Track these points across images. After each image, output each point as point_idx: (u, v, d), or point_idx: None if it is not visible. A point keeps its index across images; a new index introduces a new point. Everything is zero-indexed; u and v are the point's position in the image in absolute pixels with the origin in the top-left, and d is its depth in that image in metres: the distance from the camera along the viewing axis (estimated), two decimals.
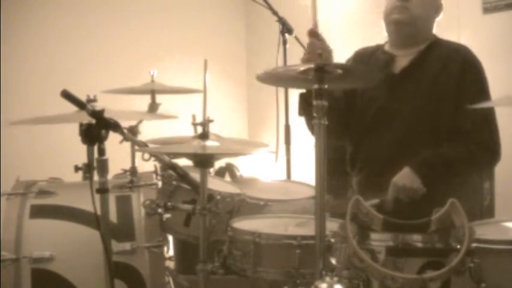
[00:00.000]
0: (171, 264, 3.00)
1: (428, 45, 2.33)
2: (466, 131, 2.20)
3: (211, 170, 2.91)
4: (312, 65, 1.77)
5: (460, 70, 2.24)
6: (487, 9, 3.12)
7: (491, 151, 2.23)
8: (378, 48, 2.44)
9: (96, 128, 1.80)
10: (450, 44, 2.37)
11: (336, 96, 2.29)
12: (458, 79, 2.23)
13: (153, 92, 2.95)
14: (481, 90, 2.24)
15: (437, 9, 2.35)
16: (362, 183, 2.38)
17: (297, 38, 3.19)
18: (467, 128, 2.20)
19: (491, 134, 2.23)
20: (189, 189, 2.16)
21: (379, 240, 1.58)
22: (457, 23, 3.15)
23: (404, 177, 2.15)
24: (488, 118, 2.22)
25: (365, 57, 2.43)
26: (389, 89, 2.30)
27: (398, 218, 1.63)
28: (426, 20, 2.33)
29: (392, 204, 2.14)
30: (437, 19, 2.37)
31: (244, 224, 2.06)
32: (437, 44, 2.35)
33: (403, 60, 2.34)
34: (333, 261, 1.64)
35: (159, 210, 2.23)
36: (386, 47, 2.41)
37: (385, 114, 2.31)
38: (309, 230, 1.85)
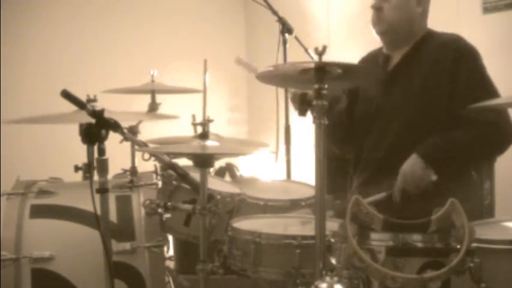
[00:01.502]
0: (171, 264, 3.00)
1: (419, 39, 2.31)
2: (473, 115, 2.10)
3: (211, 170, 2.91)
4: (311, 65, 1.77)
5: (453, 61, 2.21)
6: (487, 9, 3.11)
7: (503, 130, 2.15)
8: (379, 51, 2.44)
9: (96, 128, 1.80)
10: (442, 35, 2.33)
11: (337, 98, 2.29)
12: (452, 70, 2.20)
13: (153, 92, 2.96)
14: (480, 78, 2.20)
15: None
16: (363, 184, 2.38)
17: (297, 38, 3.19)
18: (472, 114, 2.09)
19: (499, 112, 2.14)
20: (189, 189, 2.17)
21: (379, 240, 1.58)
22: (457, 23, 3.14)
23: (413, 164, 2.12)
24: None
25: (369, 61, 2.45)
26: (384, 88, 2.30)
27: (398, 218, 1.63)
28: (409, 17, 2.28)
29: (400, 195, 2.12)
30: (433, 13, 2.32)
31: (244, 224, 2.06)
32: (429, 37, 2.32)
33: (396, 59, 2.34)
34: (333, 261, 1.64)
35: (159, 210, 2.22)
36: (384, 49, 2.42)
37: (382, 114, 2.32)
38: (309, 229, 1.85)
